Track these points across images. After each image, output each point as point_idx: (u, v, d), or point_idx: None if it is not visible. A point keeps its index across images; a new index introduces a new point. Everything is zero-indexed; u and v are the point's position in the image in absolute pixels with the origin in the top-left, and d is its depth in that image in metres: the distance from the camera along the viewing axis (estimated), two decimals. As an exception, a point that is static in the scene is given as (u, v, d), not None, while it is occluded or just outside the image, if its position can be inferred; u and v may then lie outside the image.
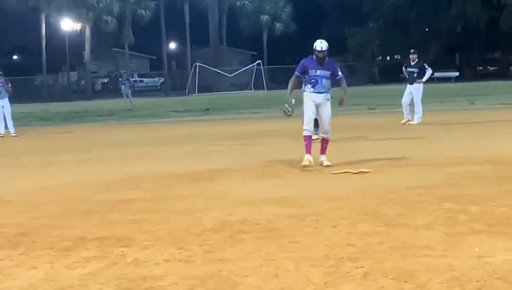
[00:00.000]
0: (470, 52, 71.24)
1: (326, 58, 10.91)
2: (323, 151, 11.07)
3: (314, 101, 10.91)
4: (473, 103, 27.86)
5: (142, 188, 9.63)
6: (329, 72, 10.93)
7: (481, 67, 74.22)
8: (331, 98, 11.16)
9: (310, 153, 10.77)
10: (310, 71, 10.89)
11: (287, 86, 11.19)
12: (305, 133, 10.94)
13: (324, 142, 11.13)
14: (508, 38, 65.46)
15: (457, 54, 73.90)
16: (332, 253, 5.55)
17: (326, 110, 11.02)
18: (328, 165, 10.78)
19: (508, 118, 19.71)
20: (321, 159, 10.97)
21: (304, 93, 11.08)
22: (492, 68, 73.98)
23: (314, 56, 10.91)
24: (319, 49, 10.79)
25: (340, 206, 7.57)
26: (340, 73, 11.12)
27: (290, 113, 11.36)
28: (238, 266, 5.31)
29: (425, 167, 10.46)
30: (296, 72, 11.11)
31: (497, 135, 15.25)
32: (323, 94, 10.92)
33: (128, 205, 8.22)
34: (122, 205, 8.20)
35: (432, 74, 20.73)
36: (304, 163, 10.68)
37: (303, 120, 11.07)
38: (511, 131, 16.12)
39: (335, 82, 11.16)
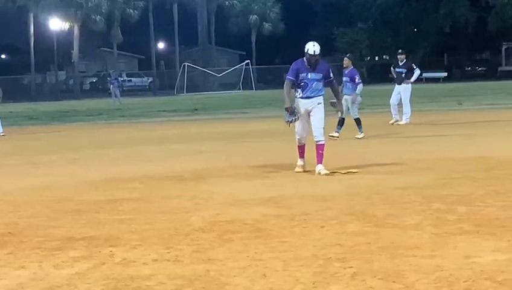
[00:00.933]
0: (459, 52, 71.40)
1: (319, 61, 10.33)
2: (319, 160, 10.19)
3: (304, 108, 10.32)
4: (461, 104, 27.92)
5: (130, 188, 9.60)
6: (321, 75, 10.34)
7: (469, 68, 74.36)
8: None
9: (303, 158, 10.48)
10: (300, 75, 10.27)
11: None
12: (298, 144, 10.51)
13: (319, 148, 10.23)
14: (496, 39, 65.74)
15: (445, 55, 74.06)
16: (321, 253, 5.56)
17: (319, 115, 10.31)
18: (326, 174, 10.03)
19: (496, 119, 19.80)
20: (318, 169, 10.12)
21: (295, 99, 10.44)
22: (480, 69, 74.17)
23: (305, 59, 10.33)
24: (312, 53, 10.15)
25: (328, 206, 7.57)
26: (332, 75, 10.54)
27: (297, 116, 10.33)
28: (226, 266, 5.31)
29: (414, 167, 10.48)
30: (289, 76, 10.36)
31: (485, 136, 15.30)
32: (313, 98, 10.29)
33: (116, 204, 8.20)
34: (110, 205, 8.18)
35: (420, 75, 20.78)
36: (296, 169, 10.40)
37: (295, 130, 10.51)
38: (499, 132, 16.16)
39: (326, 84, 10.56)
